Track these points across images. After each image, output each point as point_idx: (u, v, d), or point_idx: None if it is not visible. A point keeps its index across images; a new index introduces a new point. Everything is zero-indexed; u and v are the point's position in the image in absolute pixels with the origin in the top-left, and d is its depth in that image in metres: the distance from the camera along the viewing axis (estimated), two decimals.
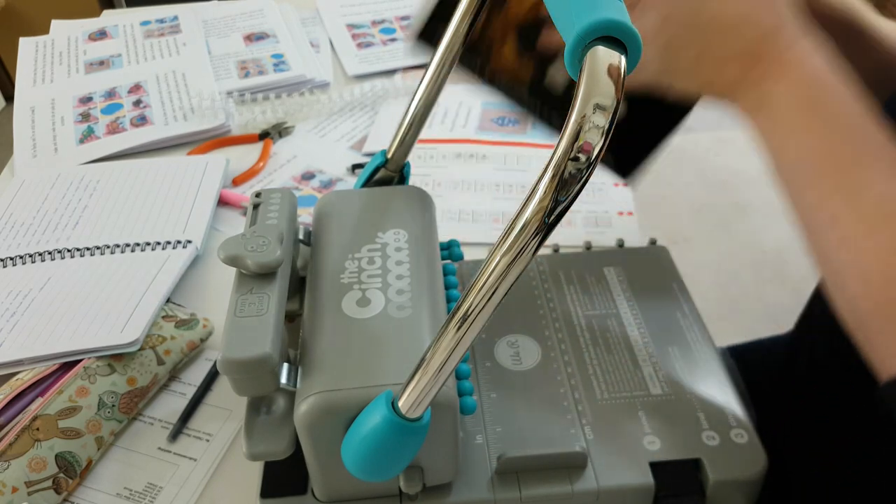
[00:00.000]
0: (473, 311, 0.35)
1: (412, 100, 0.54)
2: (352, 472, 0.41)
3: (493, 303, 0.35)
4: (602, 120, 0.30)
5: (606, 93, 0.30)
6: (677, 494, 0.48)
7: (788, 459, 0.56)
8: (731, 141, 0.91)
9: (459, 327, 0.36)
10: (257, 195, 0.52)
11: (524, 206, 0.32)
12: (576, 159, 0.30)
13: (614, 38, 0.30)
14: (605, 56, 0.30)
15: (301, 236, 0.54)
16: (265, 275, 0.46)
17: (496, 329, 0.58)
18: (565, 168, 0.30)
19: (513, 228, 0.32)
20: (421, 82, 0.53)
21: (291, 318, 0.52)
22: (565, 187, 0.31)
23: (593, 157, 0.30)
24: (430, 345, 0.37)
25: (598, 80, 0.30)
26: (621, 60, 0.30)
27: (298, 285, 0.53)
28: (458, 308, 0.35)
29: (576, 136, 0.30)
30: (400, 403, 0.39)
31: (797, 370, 0.65)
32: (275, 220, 0.50)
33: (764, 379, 0.65)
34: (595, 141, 0.30)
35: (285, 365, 0.44)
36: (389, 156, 0.57)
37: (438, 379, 0.38)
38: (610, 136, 0.30)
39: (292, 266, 0.50)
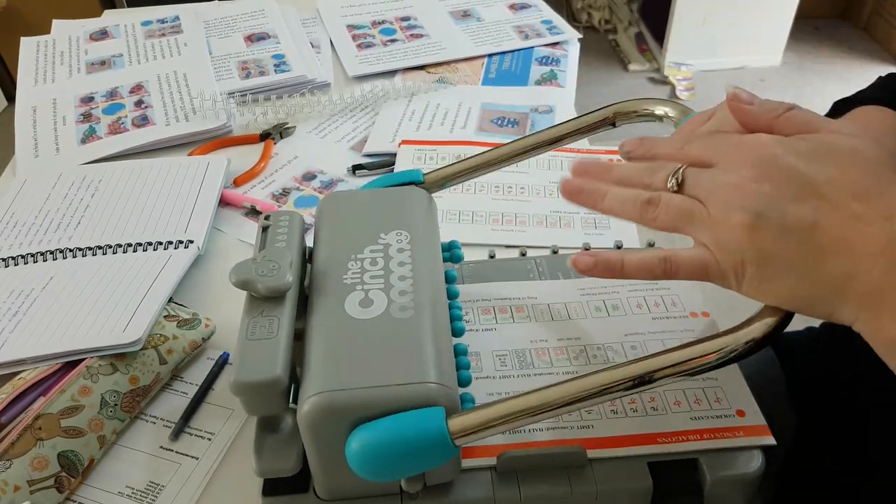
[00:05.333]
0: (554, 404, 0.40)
1: (487, 151, 0.58)
2: (362, 471, 0.42)
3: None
4: None
5: None
6: (675, 494, 0.49)
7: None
8: None
9: (543, 401, 0.41)
10: (266, 218, 0.53)
11: None
12: None
13: None
14: None
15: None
16: (275, 298, 0.47)
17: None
18: None
19: None
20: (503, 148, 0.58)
21: (299, 336, 0.53)
22: None
23: None
24: (513, 395, 0.41)
25: None
26: None
27: (305, 304, 0.54)
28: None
29: None
30: (451, 424, 0.41)
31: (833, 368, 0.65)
32: (283, 243, 0.51)
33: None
34: None
35: (294, 386, 0.45)
36: (429, 178, 0.58)
37: (501, 427, 0.41)
38: None
39: (300, 286, 0.51)
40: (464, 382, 0.48)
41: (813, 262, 0.38)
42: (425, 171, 0.58)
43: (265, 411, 0.45)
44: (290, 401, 0.45)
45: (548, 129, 0.57)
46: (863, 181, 0.38)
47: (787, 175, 0.39)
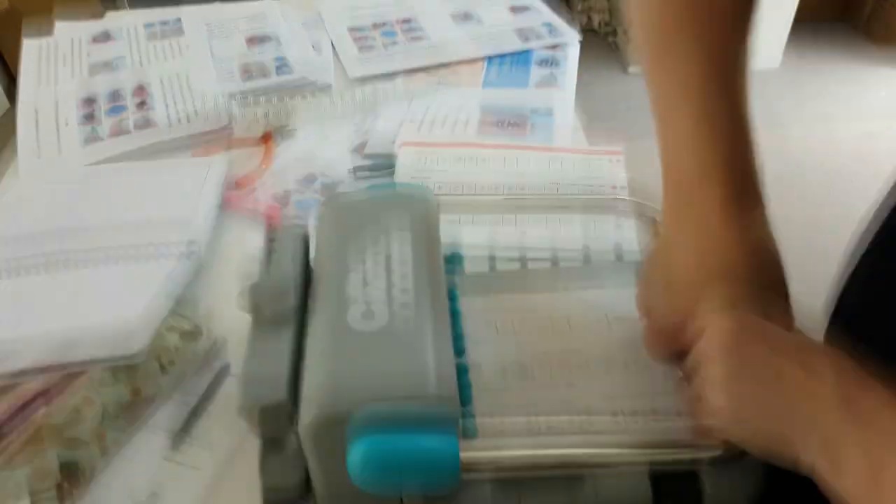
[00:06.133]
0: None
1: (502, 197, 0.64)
2: (364, 484, 0.42)
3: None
4: None
5: None
6: None
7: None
8: None
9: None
10: (271, 238, 0.53)
11: None
12: None
13: None
14: None
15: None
16: (280, 320, 0.47)
17: None
18: None
19: None
20: None
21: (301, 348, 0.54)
22: None
23: None
24: (530, 440, 0.45)
25: None
26: None
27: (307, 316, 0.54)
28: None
29: None
30: (463, 457, 0.42)
31: None
32: (288, 262, 0.51)
33: None
34: None
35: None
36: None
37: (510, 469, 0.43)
38: None
39: (304, 305, 0.51)
40: (464, 395, 0.48)
41: (780, 406, 0.41)
42: (435, 192, 0.58)
43: (271, 432, 0.45)
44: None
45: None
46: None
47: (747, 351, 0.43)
